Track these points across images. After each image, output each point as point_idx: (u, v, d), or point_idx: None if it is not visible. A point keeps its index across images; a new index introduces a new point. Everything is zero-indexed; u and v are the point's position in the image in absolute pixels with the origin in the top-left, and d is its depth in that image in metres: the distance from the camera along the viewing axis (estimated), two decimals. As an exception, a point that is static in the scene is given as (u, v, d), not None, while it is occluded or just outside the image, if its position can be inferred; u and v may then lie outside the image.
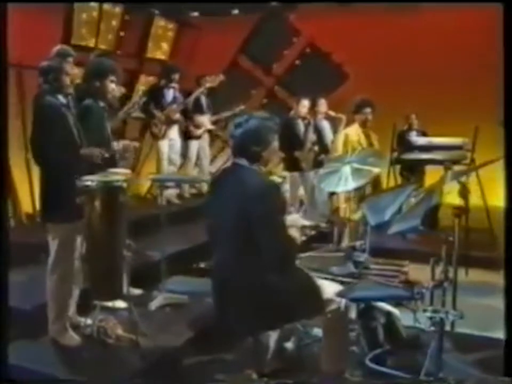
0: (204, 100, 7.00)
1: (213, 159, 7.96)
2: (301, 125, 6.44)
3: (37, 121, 3.38)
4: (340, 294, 2.78)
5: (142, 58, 7.59)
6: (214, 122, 7.24)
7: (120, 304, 3.94)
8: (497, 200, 5.63)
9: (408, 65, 7.32)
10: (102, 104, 3.80)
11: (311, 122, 6.41)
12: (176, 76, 6.40)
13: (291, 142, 6.36)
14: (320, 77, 7.82)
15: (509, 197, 2.83)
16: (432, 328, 2.73)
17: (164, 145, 6.36)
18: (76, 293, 3.63)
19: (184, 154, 7.23)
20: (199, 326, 3.78)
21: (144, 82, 7.16)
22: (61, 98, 3.43)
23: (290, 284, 2.76)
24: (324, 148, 6.31)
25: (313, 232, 4.95)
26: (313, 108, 6.56)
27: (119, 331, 3.55)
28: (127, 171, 3.66)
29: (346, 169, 3.49)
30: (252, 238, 2.67)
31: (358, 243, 3.47)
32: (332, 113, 6.45)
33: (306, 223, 3.50)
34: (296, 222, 3.46)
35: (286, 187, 6.67)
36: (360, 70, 7.42)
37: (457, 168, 3.30)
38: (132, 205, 6.83)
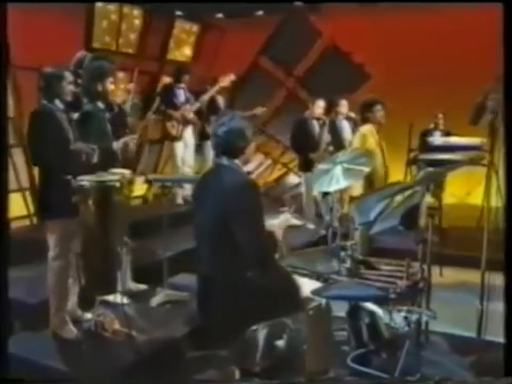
0: (220, 100, 7.07)
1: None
2: (315, 126, 6.47)
3: (32, 124, 3.54)
4: (315, 292, 2.81)
5: (163, 60, 7.70)
6: None
7: (122, 299, 4.09)
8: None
9: (429, 65, 7.23)
10: (102, 106, 3.94)
11: (326, 122, 6.43)
12: (186, 77, 6.48)
13: (305, 142, 6.41)
14: (342, 77, 7.79)
15: (509, 197, 2.80)
16: (406, 328, 2.74)
17: (179, 145, 6.46)
18: (75, 288, 3.77)
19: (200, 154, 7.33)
20: (195, 323, 3.85)
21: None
22: (58, 103, 3.58)
23: (269, 281, 2.81)
24: (342, 148, 6.28)
25: (323, 232, 4.99)
26: (332, 109, 6.59)
27: (116, 325, 3.67)
28: (126, 171, 3.78)
29: (338, 170, 3.49)
30: (231, 236, 2.74)
31: (349, 242, 3.48)
32: (352, 114, 6.44)
33: (298, 222, 3.53)
34: (287, 221, 3.50)
35: (302, 188, 6.73)
36: (381, 71, 7.36)
37: (432, 169, 3.25)
38: (152, 204, 7.08)
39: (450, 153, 6.29)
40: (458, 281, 5.49)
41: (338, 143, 6.26)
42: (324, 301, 2.92)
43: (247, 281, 2.78)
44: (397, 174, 6.60)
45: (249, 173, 3.09)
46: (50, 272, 3.64)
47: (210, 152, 6.93)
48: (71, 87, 3.63)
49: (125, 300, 3.97)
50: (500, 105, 2.70)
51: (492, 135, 2.81)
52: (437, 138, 6.64)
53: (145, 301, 4.25)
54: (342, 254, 3.42)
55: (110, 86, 3.96)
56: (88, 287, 3.54)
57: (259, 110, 7.08)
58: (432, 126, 6.99)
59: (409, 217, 2.77)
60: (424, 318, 2.71)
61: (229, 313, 2.83)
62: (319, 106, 6.49)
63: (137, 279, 4.48)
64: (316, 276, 3.14)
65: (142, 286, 4.44)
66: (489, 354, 3.71)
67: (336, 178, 3.51)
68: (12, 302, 3.79)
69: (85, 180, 3.30)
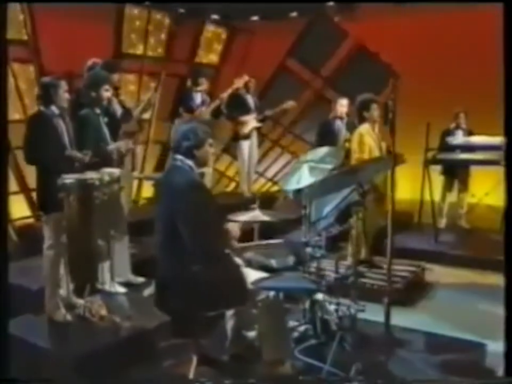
0: (249, 99, 7.27)
1: (261, 159, 8.21)
2: (340, 125, 6.54)
3: (28, 127, 3.92)
4: (254, 283, 2.96)
5: (192, 63, 7.96)
6: (261, 121, 7.43)
7: (118, 289, 4.46)
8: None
9: (456, 64, 7.13)
10: (98, 111, 4.28)
11: (344, 119, 6.50)
12: (203, 80, 6.72)
13: (330, 143, 6.46)
14: (369, 77, 7.77)
15: (509, 197, 2.84)
16: (337, 321, 2.84)
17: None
18: (69, 275, 4.09)
19: (236, 155, 7.58)
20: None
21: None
22: (54, 108, 3.94)
23: (214, 275, 2.96)
24: None
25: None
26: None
27: (103, 312, 3.97)
28: (116, 170, 4.09)
29: (304, 168, 3.62)
30: (178, 234, 2.95)
31: (313, 239, 3.57)
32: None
33: (267, 219, 3.68)
34: (257, 217, 3.66)
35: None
36: (408, 70, 7.31)
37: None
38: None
39: (470, 152, 6.26)
40: (469, 282, 5.45)
41: None
42: (271, 293, 3.06)
43: (192, 275, 2.96)
44: (415, 174, 6.57)
45: (202, 174, 3.27)
46: (44, 261, 3.99)
47: (243, 153, 7.28)
48: (66, 95, 3.98)
49: (115, 289, 4.32)
50: (393, 105, 2.77)
51: (391, 133, 2.87)
52: (457, 138, 6.56)
53: (140, 291, 4.54)
54: (309, 249, 3.52)
55: (106, 94, 4.27)
56: (72, 276, 3.85)
57: (289, 105, 7.28)
58: (453, 125, 6.88)
59: (343, 216, 2.87)
60: (352, 311, 2.80)
61: (180, 305, 3.00)
62: (342, 104, 6.56)
63: (138, 272, 4.80)
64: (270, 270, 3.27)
65: (141, 279, 4.73)
66: (467, 354, 3.74)
67: (304, 177, 3.64)
68: (18, 288, 4.26)
69: (67, 178, 3.63)
